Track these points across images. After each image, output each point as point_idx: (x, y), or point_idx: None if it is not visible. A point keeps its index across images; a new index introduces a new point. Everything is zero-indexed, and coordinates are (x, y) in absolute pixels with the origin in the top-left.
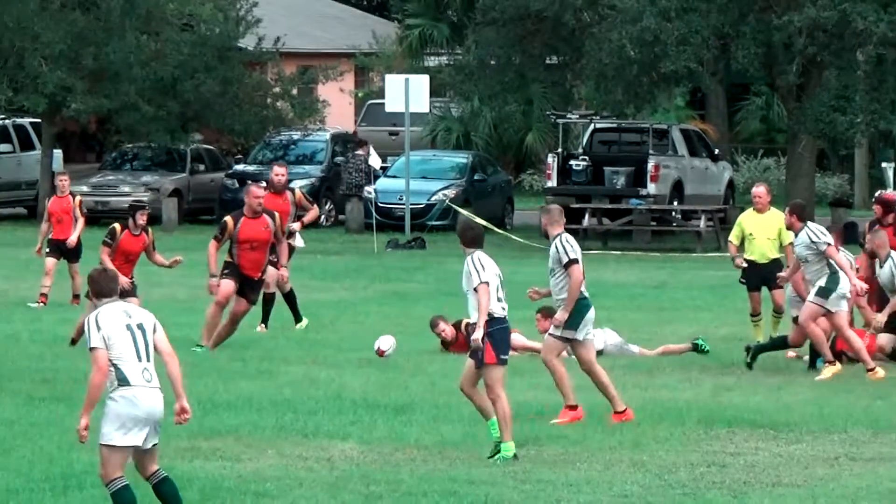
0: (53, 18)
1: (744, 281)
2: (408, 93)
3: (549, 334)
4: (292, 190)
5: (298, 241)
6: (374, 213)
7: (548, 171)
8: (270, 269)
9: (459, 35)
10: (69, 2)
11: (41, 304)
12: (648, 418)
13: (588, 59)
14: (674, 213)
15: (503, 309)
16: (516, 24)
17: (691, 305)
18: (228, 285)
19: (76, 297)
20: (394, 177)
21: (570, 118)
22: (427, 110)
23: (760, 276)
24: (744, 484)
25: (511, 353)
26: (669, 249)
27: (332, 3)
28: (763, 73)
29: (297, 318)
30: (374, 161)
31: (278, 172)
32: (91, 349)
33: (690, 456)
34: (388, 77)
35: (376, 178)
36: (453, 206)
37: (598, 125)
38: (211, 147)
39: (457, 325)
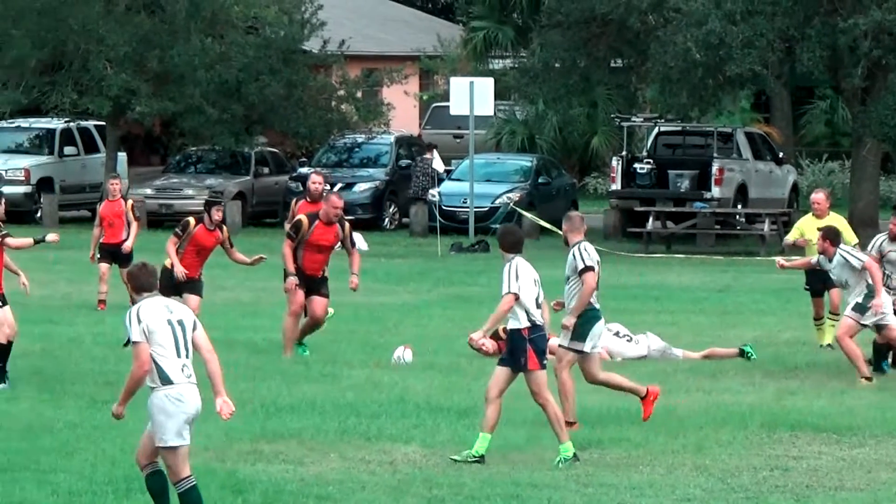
0: (118, 21)
1: (808, 287)
2: (472, 96)
3: (560, 345)
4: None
5: (361, 244)
6: (438, 217)
7: (612, 175)
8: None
9: (524, 38)
10: (134, 5)
11: (101, 310)
12: (711, 422)
13: (653, 61)
14: (738, 217)
15: (541, 316)
16: (581, 27)
17: (755, 309)
18: (300, 295)
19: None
20: (458, 180)
21: (634, 121)
22: (491, 113)
23: (822, 281)
24: (806, 488)
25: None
26: (733, 253)
27: (397, 5)
28: (828, 77)
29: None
30: (438, 165)
31: (316, 181)
32: (133, 343)
33: (753, 460)
34: (452, 80)
35: (440, 181)
36: (517, 209)
37: (663, 128)
38: (275, 150)
39: (495, 336)
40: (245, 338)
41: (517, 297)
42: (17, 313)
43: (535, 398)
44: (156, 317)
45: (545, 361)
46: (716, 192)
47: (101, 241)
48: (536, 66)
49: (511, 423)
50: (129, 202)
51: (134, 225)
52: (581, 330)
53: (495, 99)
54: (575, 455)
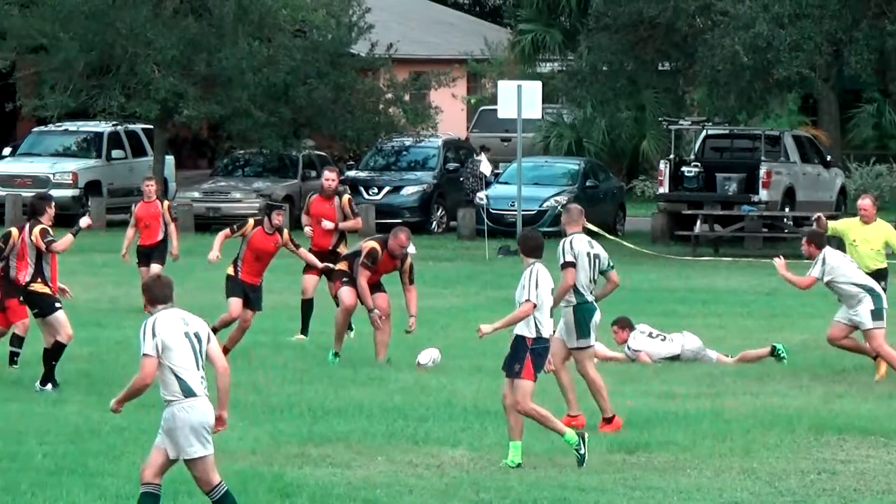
0: (166, 25)
1: None
2: (520, 99)
3: (570, 348)
4: (340, 195)
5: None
6: (485, 220)
7: (660, 178)
8: (308, 276)
9: (572, 41)
10: (182, 8)
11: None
12: (759, 425)
13: (701, 65)
14: (785, 220)
15: (551, 326)
16: (629, 30)
17: (803, 312)
18: (352, 293)
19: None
20: (506, 183)
21: (682, 124)
22: (539, 116)
23: None
24: (854, 491)
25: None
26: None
27: (445, 9)
28: (875, 80)
29: (304, 331)
30: (486, 168)
31: (329, 177)
32: (143, 355)
33: (801, 463)
34: (500, 83)
35: (488, 184)
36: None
37: (711, 131)
38: (323, 153)
39: None
40: (292, 341)
41: (535, 306)
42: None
43: (516, 407)
44: (173, 331)
45: (537, 374)
46: (763, 195)
47: (137, 243)
48: (584, 70)
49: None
50: (166, 203)
51: (172, 227)
52: (582, 328)
53: (543, 102)
54: (581, 437)
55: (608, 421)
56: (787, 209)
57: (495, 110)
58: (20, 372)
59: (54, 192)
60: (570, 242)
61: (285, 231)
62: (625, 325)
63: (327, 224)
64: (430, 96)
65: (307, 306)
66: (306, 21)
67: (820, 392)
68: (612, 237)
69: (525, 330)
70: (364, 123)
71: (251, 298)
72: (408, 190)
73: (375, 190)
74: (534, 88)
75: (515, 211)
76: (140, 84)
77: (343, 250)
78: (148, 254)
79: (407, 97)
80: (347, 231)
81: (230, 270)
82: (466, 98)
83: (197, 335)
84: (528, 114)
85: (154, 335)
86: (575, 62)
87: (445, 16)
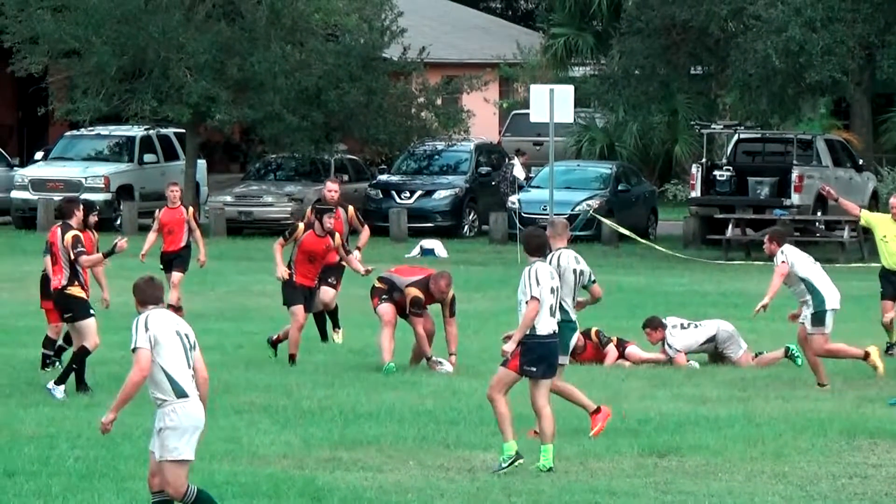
0: (198, 29)
1: (882, 291)
2: (552, 103)
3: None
4: (345, 207)
5: (441, 252)
6: (517, 224)
7: (692, 182)
8: (325, 288)
9: (604, 45)
10: (214, 13)
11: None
12: (790, 429)
13: (733, 69)
14: (817, 224)
15: (553, 323)
16: (661, 34)
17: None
18: (391, 311)
19: (172, 307)
20: (538, 187)
21: (714, 128)
22: (571, 121)
23: (893, 285)
24: (885, 496)
25: (626, 363)
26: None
27: (477, 13)
28: None
29: (323, 337)
30: (519, 172)
31: (331, 189)
32: (135, 349)
33: (832, 467)
34: (532, 87)
35: (520, 188)
36: (597, 216)
37: (743, 135)
38: (355, 157)
39: (586, 333)
40: (325, 345)
41: (540, 302)
42: (97, 321)
43: (488, 390)
44: (165, 327)
45: (529, 369)
46: (795, 199)
47: (161, 249)
48: (616, 74)
49: (588, 430)
50: (191, 210)
51: (197, 233)
52: (562, 346)
53: (575, 106)
54: (517, 453)
55: (597, 411)
56: (818, 213)
57: (527, 114)
58: (52, 375)
59: (86, 196)
60: (558, 259)
61: (337, 235)
62: (656, 324)
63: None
64: (462, 100)
65: (321, 317)
66: (339, 25)
67: (851, 396)
68: (644, 241)
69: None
70: (396, 127)
71: (308, 301)
72: (440, 194)
73: (407, 194)
74: (566, 92)
75: (547, 215)
76: (172, 88)
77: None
78: (170, 260)
79: (439, 101)
80: (364, 245)
81: (285, 274)
82: (498, 102)
83: (187, 336)
84: (560, 118)
85: (147, 329)
86: (607, 66)
87: (478, 20)
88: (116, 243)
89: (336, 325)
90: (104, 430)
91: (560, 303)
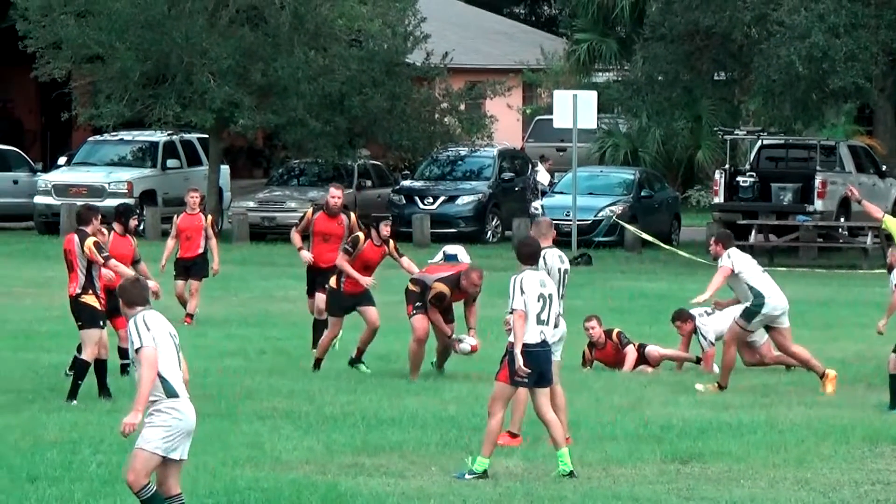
0: (222, 34)
1: None
2: (576, 109)
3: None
4: (348, 213)
5: (464, 257)
6: None
7: (715, 188)
8: (320, 295)
9: (628, 50)
10: (238, 18)
11: (188, 323)
12: (813, 436)
13: (756, 75)
14: (840, 230)
15: (542, 333)
16: (685, 40)
17: (857, 322)
18: (424, 321)
19: (190, 316)
20: (561, 193)
21: (737, 134)
22: (595, 126)
23: None
24: None
25: (648, 370)
26: (836, 266)
27: (501, 18)
28: None
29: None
30: (543, 177)
31: (334, 195)
32: (143, 347)
33: (855, 474)
34: (556, 93)
35: (543, 194)
36: (620, 222)
37: (766, 141)
38: (378, 163)
39: (608, 333)
40: (347, 350)
41: (525, 313)
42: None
43: (489, 404)
44: (161, 328)
45: (520, 380)
46: (818, 205)
47: (177, 255)
48: (640, 80)
49: (611, 436)
50: (209, 217)
51: (213, 241)
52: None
53: (598, 112)
54: (485, 472)
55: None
56: (842, 219)
57: (551, 120)
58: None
59: (109, 202)
60: (544, 258)
61: (391, 242)
62: (686, 316)
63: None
64: (485, 106)
65: (320, 327)
66: (362, 30)
67: (874, 402)
68: (667, 247)
69: (510, 335)
70: (419, 133)
71: (365, 299)
72: (463, 199)
73: (430, 199)
74: (589, 98)
75: (570, 221)
76: (196, 93)
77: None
78: (188, 267)
79: (462, 107)
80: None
81: (332, 283)
82: (522, 108)
83: (176, 337)
84: (583, 123)
85: (148, 329)
86: (630, 72)
87: (501, 25)
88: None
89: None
90: (129, 430)
91: None
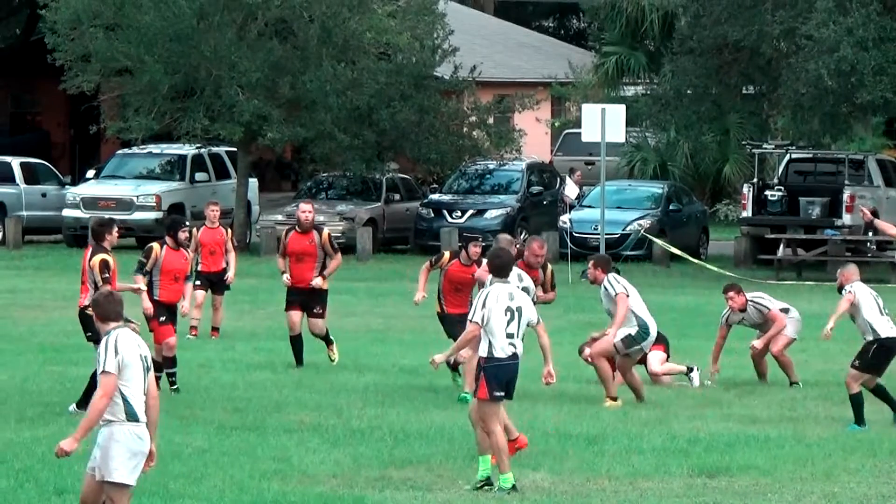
0: (251, 47)
1: None
2: (604, 122)
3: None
4: (319, 231)
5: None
6: (568, 243)
7: (743, 202)
8: (293, 312)
9: (656, 64)
10: (266, 31)
11: (214, 336)
12: (840, 450)
13: (785, 88)
14: (869, 244)
15: (511, 346)
16: (713, 54)
17: None
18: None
19: (215, 329)
20: (589, 206)
21: (765, 148)
22: (623, 140)
23: None
24: None
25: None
26: (864, 280)
27: (529, 32)
28: None
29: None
30: (571, 191)
31: (304, 209)
32: (104, 373)
33: (882, 488)
34: (584, 106)
35: (571, 207)
36: (648, 235)
37: (794, 155)
38: (406, 176)
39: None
40: (374, 364)
41: (480, 327)
42: (146, 339)
43: (481, 426)
44: (131, 351)
45: (499, 394)
46: (847, 219)
47: (199, 269)
48: (668, 93)
49: (639, 450)
50: (229, 231)
51: (232, 254)
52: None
53: (627, 125)
54: (514, 486)
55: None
56: (870, 233)
57: (579, 133)
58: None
59: (138, 215)
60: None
61: (484, 261)
62: (739, 289)
63: (317, 282)
64: (513, 119)
65: (297, 342)
66: (390, 44)
67: None
68: (695, 260)
69: (481, 350)
70: (448, 146)
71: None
72: (491, 213)
73: (459, 213)
74: (618, 112)
75: (598, 234)
76: (224, 107)
77: (326, 286)
78: (212, 281)
79: (491, 120)
80: (330, 274)
81: (437, 309)
82: (550, 121)
83: (147, 359)
84: (611, 137)
85: (116, 353)
86: (659, 85)
87: (530, 39)
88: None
89: (329, 343)
90: (62, 454)
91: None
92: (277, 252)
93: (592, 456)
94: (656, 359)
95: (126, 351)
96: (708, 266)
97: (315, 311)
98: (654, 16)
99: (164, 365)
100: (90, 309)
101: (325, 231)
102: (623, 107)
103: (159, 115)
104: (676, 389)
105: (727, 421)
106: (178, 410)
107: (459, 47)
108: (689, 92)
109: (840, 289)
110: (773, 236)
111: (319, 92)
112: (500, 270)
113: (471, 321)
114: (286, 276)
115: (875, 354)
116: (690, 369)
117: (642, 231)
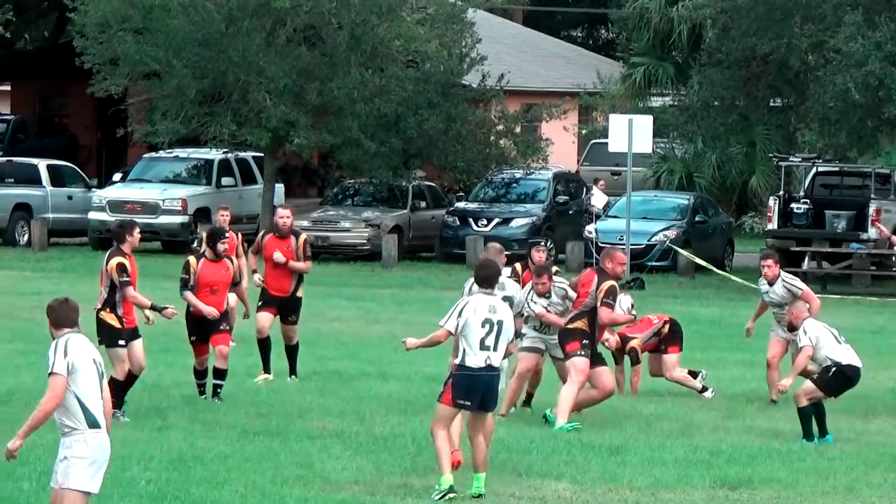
0: (279, 53)
1: None
2: (631, 133)
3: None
4: (297, 235)
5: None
6: (594, 253)
7: (769, 214)
8: (263, 314)
9: (684, 75)
10: (295, 37)
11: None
12: (862, 463)
13: (812, 102)
14: (894, 258)
15: (487, 359)
16: (741, 66)
17: None
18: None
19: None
20: (615, 217)
21: (792, 161)
22: (650, 151)
23: None
24: None
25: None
26: (889, 294)
27: (558, 41)
28: None
29: (266, 369)
30: (598, 201)
31: (283, 215)
32: (53, 374)
33: None
34: (611, 117)
35: (597, 217)
36: (674, 246)
37: (821, 168)
38: (432, 184)
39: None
40: (398, 371)
41: (450, 334)
42: (170, 344)
43: (431, 425)
44: (83, 354)
45: (462, 402)
46: (872, 232)
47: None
48: (695, 105)
49: (661, 461)
50: (240, 235)
51: (242, 259)
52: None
53: (654, 136)
54: (451, 488)
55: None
56: (895, 248)
57: (606, 143)
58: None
59: (163, 219)
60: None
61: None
62: (777, 260)
63: (279, 257)
64: (541, 128)
65: (264, 345)
66: (419, 52)
67: None
68: (720, 272)
69: (458, 356)
70: (474, 155)
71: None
72: (517, 222)
73: (484, 221)
74: (645, 122)
75: (624, 245)
76: (251, 112)
77: (302, 294)
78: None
79: (518, 129)
80: (298, 272)
81: None
82: (579, 126)
83: (100, 364)
84: (638, 148)
85: (66, 355)
86: (686, 97)
87: (558, 48)
88: (168, 308)
89: (268, 370)
90: (10, 457)
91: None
92: (251, 250)
93: (615, 466)
94: (672, 362)
95: (76, 354)
96: (733, 277)
97: (290, 318)
98: (683, 27)
99: (215, 375)
100: (101, 313)
101: (303, 236)
102: (650, 117)
103: (187, 119)
104: (700, 402)
105: (750, 433)
106: (200, 415)
107: (487, 56)
108: (716, 103)
109: (791, 327)
110: (798, 249)
111: (347, 99)
112: (485, 281)
113: (441, 325)
114: (258, 276)
115: (836, 375)
116: (705, 389)
117: (668, 242)
